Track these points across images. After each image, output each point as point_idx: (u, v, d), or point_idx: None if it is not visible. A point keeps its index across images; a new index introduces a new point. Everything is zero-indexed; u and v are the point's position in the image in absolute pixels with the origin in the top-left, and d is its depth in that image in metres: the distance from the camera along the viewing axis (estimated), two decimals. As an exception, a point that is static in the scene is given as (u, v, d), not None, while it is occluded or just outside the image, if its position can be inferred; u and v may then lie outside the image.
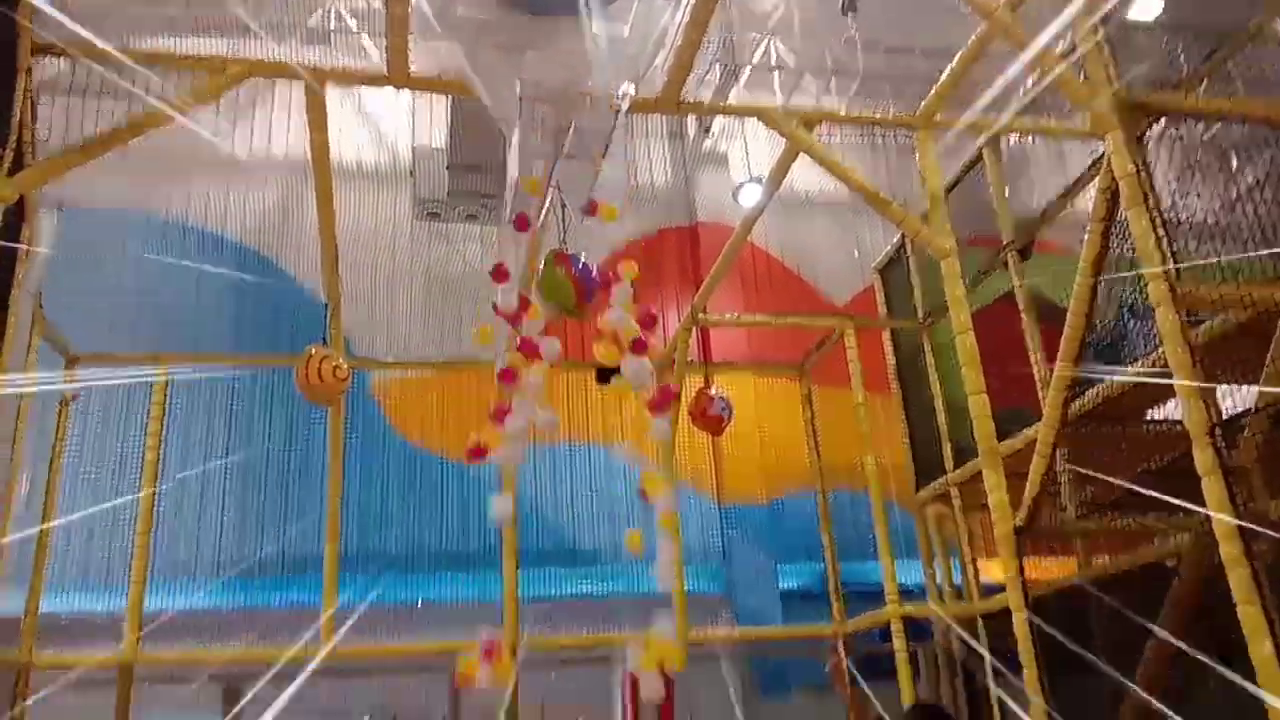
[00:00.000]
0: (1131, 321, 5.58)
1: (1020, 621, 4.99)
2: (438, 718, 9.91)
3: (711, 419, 8.43)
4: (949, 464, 7.90)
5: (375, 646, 7.88)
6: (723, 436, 9.53)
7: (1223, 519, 3.84)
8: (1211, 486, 3.88)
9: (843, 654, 8.50)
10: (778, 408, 10.65)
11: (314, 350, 6.81)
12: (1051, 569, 7.42)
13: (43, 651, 7.26)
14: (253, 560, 9.27)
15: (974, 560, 8.20)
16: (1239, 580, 3.78)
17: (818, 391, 9.58)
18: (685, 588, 8.29)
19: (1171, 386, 4.23)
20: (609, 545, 10.29)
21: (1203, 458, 3.88)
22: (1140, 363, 5.21)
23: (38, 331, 7.27)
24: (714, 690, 10.30)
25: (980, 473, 6.20)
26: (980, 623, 7.65)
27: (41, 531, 7.57)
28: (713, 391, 8.55)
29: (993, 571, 8.57)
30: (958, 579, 8.59)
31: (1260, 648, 3.66)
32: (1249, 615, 3.71)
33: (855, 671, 8.28)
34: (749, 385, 10.69)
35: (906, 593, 8.03)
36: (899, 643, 7.22)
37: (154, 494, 7.49)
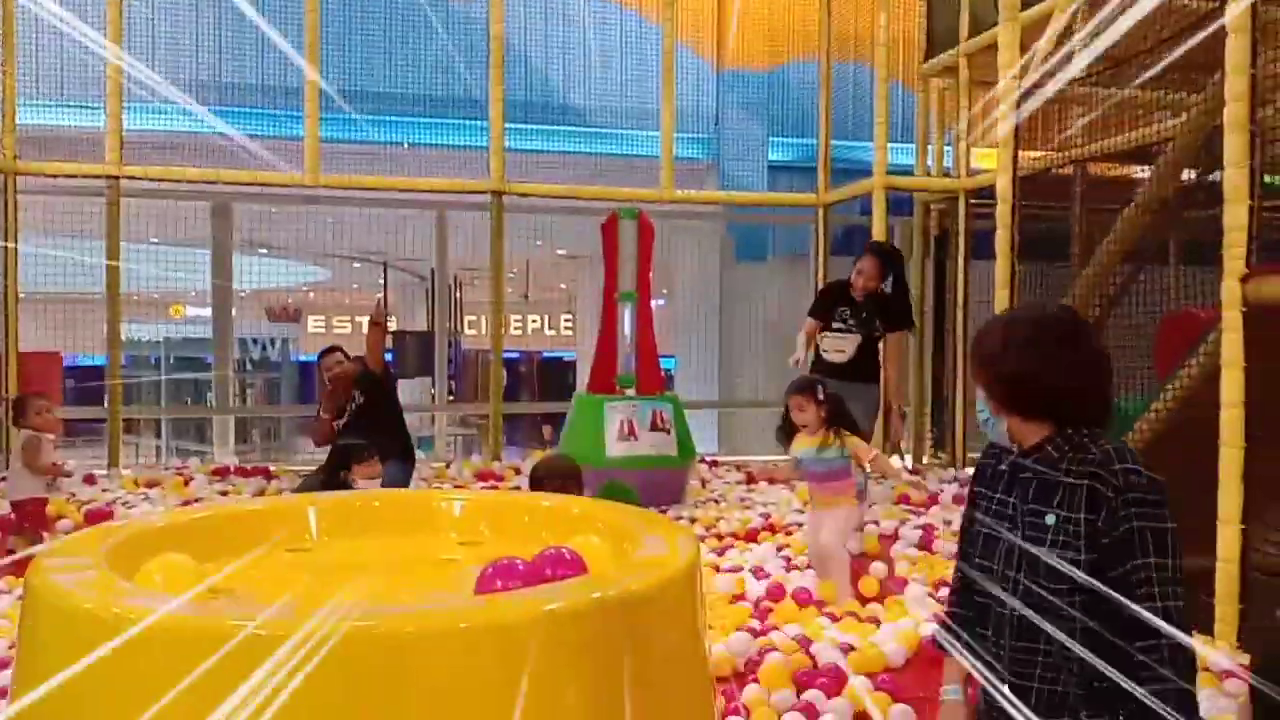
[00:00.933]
0: None
1: (1004, 185, 4.98)
2: (427, 257, 10.26)
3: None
4: (964, 33, 7.52)
5: (361, 178, 7.89)
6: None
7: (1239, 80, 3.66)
8: (1236, 43, 3.66)
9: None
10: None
11: None
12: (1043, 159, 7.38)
13: (27, 160, 7.27)
14: (234, 87, 9.02)
15: (968, 140, 8.10)
16: (1235, 145, 3.70)
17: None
18: (674, 152, 8.21)
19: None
20: (599, 103, 10.05)
21: (1237, 10, 3.62)
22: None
23: None
24: (694, 250, 10.67)
25: (992, 45, 5.92)
26: (962, 200, 7.73)
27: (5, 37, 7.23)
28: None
29: (983, 160, 8.53)
30: (949, 164, 8.57)
31: (1238, 211, 3.68)
32: (1233, 177, 3.68)
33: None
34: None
35: (895, 173, 8.01)
36: (879, 211, 7.30)
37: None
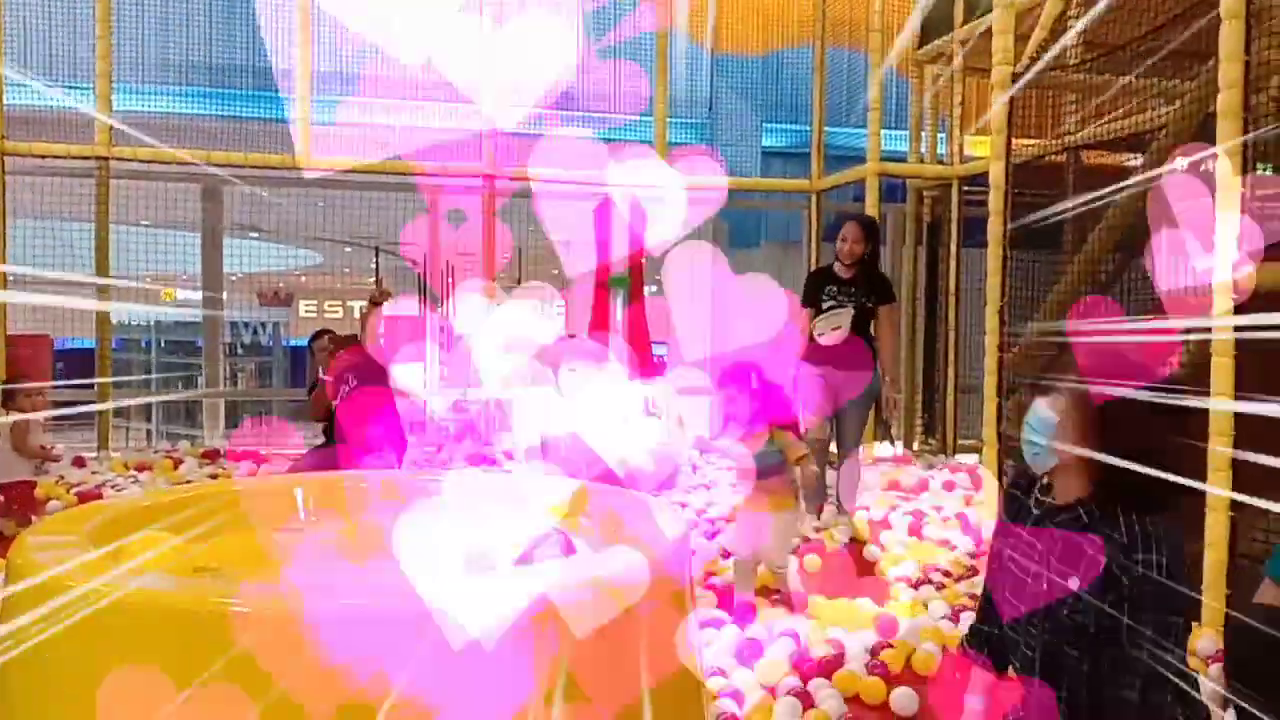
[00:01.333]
0: None
1: (997, 172, 4.97)
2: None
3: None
4: (958, 19, 7.51)
5: (353, 161, 7.85)
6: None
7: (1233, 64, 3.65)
8: (1230, 30, 3.64)
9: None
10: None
11: None
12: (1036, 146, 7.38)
13: (16, 140, 7.20)
14: (224, 68, 8.96)
15: (960, 128, 8.08)
16: (1228, 132, 3.69)
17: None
18: (667, 137, 8.18)
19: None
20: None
21: (1230, -5, 3.60)
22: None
23: None
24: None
25: (986, 32, 5.89)
26: (955, 187, 7.71)
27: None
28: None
29: (976, 148, 8.52)
30: (942, 151, 8.55)
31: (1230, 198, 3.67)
32: (1225, 166, 3.67)
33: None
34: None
35: (889, 159, 7.99)
36: (872, 198, 7.29)
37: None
